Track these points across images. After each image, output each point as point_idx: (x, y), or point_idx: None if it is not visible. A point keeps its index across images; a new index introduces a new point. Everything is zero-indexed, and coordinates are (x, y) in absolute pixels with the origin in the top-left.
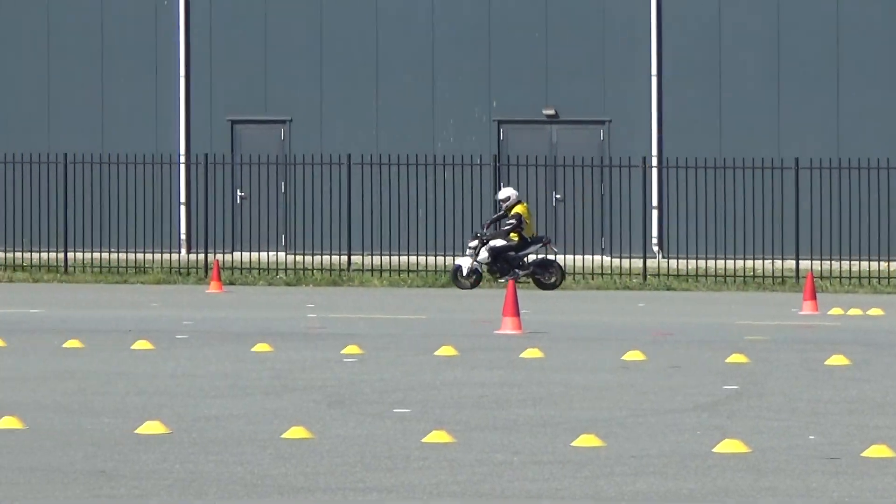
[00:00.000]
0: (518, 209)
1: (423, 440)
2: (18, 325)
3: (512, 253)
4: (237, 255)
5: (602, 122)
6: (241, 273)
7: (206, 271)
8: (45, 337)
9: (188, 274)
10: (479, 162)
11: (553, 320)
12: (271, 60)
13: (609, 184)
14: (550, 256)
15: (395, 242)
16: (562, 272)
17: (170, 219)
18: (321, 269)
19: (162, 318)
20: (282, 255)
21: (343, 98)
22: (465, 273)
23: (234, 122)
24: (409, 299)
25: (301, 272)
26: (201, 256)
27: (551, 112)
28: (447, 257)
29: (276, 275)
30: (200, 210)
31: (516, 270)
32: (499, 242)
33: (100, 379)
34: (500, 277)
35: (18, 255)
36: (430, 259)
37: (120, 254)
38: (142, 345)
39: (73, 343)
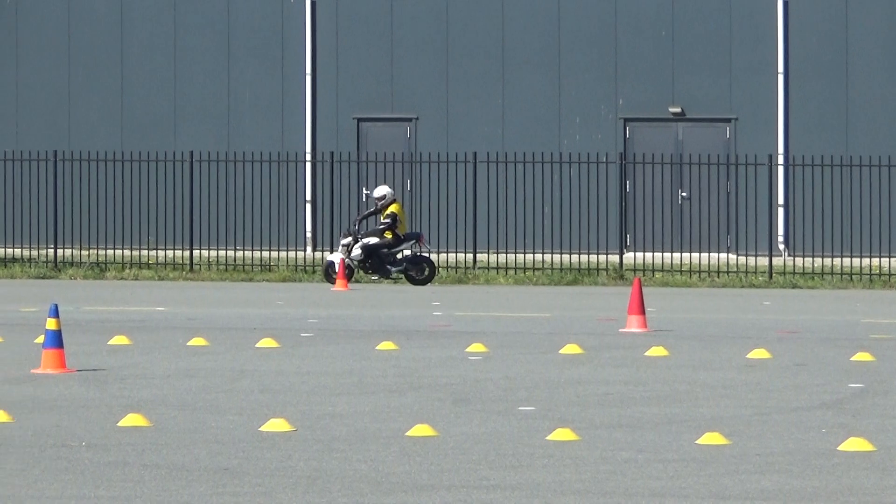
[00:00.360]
0: (393, 208)
1: (548, 438)
2: (144, 323)
3: (385, 250)
4: None
5: (728, 120)
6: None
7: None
8: (171, 335)
9: (313, 272)
10: (605, 160)
11: (678, 318)
12: (397, 58)
13: (735, 182)
14: (424, 252)
15: (521, 240)
16: (433, 267)
17: (295, 217)
18: (447, 267)
19: (287, 316)
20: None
21: (469, 96)
22: (336, 269)
23: (360, 121)
24: (534, 297)
25: None
26: (327, 254)
27: (677, 110)
28: (573, 255)
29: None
30: (326, 208)
31: (388, 267)
32: (373, 240)
33: (225, 377)
34: (373, 274)
35: (144, 253)
36: (556, 257)
37: (245, 252)
38: (267, 343)
39: (198, 341)
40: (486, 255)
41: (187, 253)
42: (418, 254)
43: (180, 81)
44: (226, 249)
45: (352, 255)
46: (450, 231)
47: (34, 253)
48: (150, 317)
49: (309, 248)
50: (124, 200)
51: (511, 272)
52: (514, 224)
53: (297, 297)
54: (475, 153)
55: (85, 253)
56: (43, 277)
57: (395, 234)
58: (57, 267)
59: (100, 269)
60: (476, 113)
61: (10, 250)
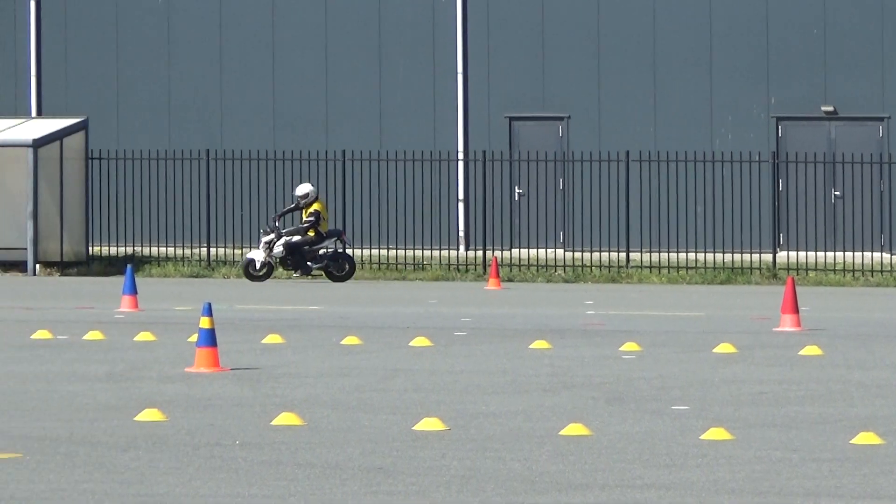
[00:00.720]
0: (316, 206)
1: (702, 437)
2: (297, 321)
3: (307, 247)
4: (515, 251)
5: (881, 119)
6: (520, 270)
7: (485, 268)
8: (324, 334)
9: (466, 271)
10: (757, 159)
11: (832, 317)
12: (548, 57)
13: (889, 181)
14: (347, 250)
15: (674, 239)
16: (353, 264)
17: (448, 216)
18: (599, 266)
19: (440, 315)
20: (560, 251)
21: (621, 94)
22: (257, 267)
23: (511, 119)
24: (687, 296)
25: (579, 269)
26: (479, 253)
27: (830, 109)
28: (726, 254)
29: (555, 272)
30: (479, 207)
31: (310, 264)
32: (295, 238)
33: (378, 375)
34: (295, 271)
35: None
36: (709, 256)
37: (399, 250)
38: (420, 341)
39: (351, 340)
40: (638, 254)
41: None
42: (339, 250)
43: (332, 80)
44: (379, 248)
45: (274, 252)
46: (602, 230)
47: (187, 251)
48: (304, 315)
49: (462, 247)
50: (276, 199)
51: (664, 271)
52: (666, 223)
53: (450, 296)
54: (627, 152)
55: (238, 251)
56: (196, 276)
57: (317, 232)
58: (210, 265)
59: None
60: (628, 111)
61: (163, 249)
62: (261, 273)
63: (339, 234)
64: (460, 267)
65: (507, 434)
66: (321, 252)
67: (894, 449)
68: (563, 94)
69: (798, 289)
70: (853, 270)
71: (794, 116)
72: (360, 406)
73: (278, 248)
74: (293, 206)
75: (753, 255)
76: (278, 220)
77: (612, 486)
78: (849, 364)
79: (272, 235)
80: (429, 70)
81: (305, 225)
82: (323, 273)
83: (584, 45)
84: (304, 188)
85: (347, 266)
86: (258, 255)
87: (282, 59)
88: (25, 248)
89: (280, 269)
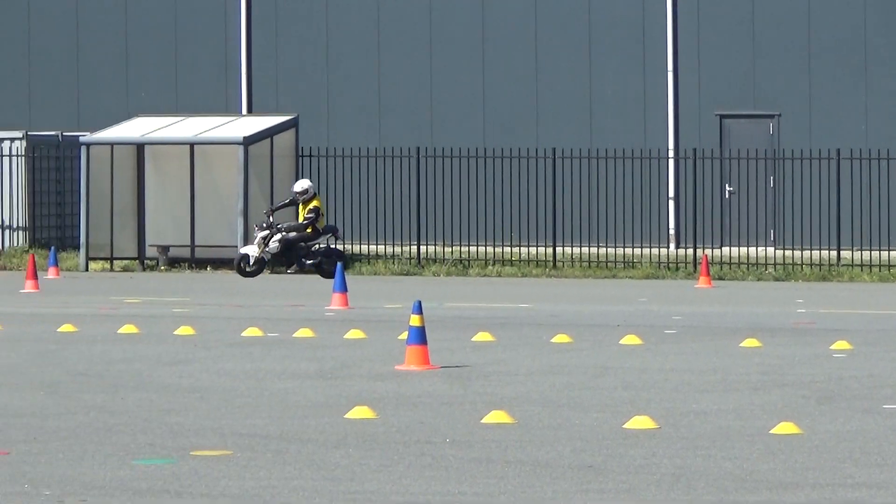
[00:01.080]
0: (315, 203)
1: None
2: (508, 319)
3: (302, 244)
4: (725, 249)
5: None
6: (730, 268)
7: (695, 266)
8: (534, 331)
9: (677, 269)
10: None
11: None
12: (759, 55)
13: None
14: (339, 246)
15: (885, 237)
16: (344, 261)
17: (658, 214)
18: (810, 264)
19: (650, 313)
20: (770, 249)
21: (831, 92)
22: (251, 262)
23: (722, 117)
24: None
25: (790, 267)
26: (690, 251)
27: None
28: None
29: (765, 270)
30: (689, 205)
31: (303, 260)
32: (293, 234)
33: (588, 373)
34: (288, 267)
35: (507, 249)
36: None
37: (608, 248)
38: (630, 340)
39: (561, 338)
40: (849, 251)
41: (550, 250)
42: (331, 246)
43: (542, 78)
44: (588, 246)
45: (269, 247)
46: (813, 228)
47: (398, 250)
48: (514, 313)
49: (672, 245)
50: (486, 197)
51: (875, 269)
52: (877, 221)
53: (660, 294)
54: (838, 150)
55: (448, 250)
56: (406, 274)
57: (314, 228)
58: (420, 264)
59: (462, 265)
60: (839, 109)
61: (374, 247)
62: (253, 269)
63: (333, 231)
64: (670, 265)
65: (717, 432)
66: (315, 248)
67: None
68: (774, 92)
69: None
70: None
71: None
72: (570, 404)
73: (274, 244)
74: (288, 201)
75: None
76: (271, 214)
77: (824, 485)
78: None
79: (267, 231)
80: (639, 67)
81: (306, 222)
82: (314, 269)
83: (794, 43)
84: (303, 184)
85: (338, 262)
86: (252, 251)
87: (491, 56)
88: (236, 246)
89: (272, 264)
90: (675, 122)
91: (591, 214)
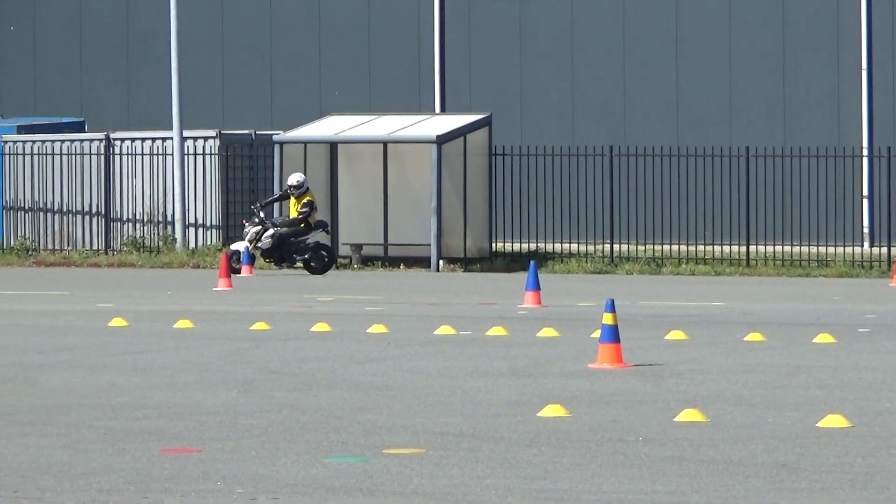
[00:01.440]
0: (309, 197)
1: None
2: (701, 318)
3: (293, 239)
4: None
5: None
6: None
7: (889, 265)
8: (727, 330)
9: (871, 267)
10: None
11: None
12: None
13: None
14: (327, 241)
15: None
16: (333, 257)
17: (852, 212)
18: None
19: (844, 312)
20: None
21: None
22: (242, 258)
23: None
24: None
25: None
26: (884, 250)
27: None
28: None
29: None
30: (883, 203)
31: (294, 256)
32: (286, 229)
33: (781, 372)
34: (278, 264)
35: (701, 248)
36: None
37: (802, 247)
38: (823, 338)
39: (754, 336)
40: None
41: (744, 248)
42: (321, 242)
43: (735, 77)
44: (782, 245)
45: (261, 243)
46: None
47: (591, 248)
48: (707, 312)
49: (866, 244)
50: (680, 195)
51: None
52: None
53: (854, 293)
54: None
55: (641, 248)
56: (599, 272)
57: (307, 223)
58: (613, 262)
59: (656, 264)
60: None
61: (567, 245)
62: (240, 265)
63: (324, 226)
64: (864, 263)
65: None
66: (306, 243)
67: None
68: None
69: None
70: None
71: None
72: (764, 402)
73: (266, 240)
74: (280, 194)
75: None
76: (262, 208)
77: None
78: None
79: (259, 226)
80: (833, 66)
81: (300, 216)
82: (302, 265)
83: None
84: (297, 177)
85: (327, 258)
86: (243, 247)
87: (685, 55)
88: (429, 244)
89: (260, 261)
90: (870, 119)
91: (784, 213)
